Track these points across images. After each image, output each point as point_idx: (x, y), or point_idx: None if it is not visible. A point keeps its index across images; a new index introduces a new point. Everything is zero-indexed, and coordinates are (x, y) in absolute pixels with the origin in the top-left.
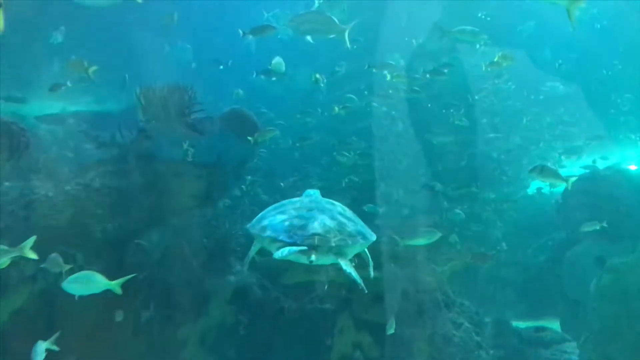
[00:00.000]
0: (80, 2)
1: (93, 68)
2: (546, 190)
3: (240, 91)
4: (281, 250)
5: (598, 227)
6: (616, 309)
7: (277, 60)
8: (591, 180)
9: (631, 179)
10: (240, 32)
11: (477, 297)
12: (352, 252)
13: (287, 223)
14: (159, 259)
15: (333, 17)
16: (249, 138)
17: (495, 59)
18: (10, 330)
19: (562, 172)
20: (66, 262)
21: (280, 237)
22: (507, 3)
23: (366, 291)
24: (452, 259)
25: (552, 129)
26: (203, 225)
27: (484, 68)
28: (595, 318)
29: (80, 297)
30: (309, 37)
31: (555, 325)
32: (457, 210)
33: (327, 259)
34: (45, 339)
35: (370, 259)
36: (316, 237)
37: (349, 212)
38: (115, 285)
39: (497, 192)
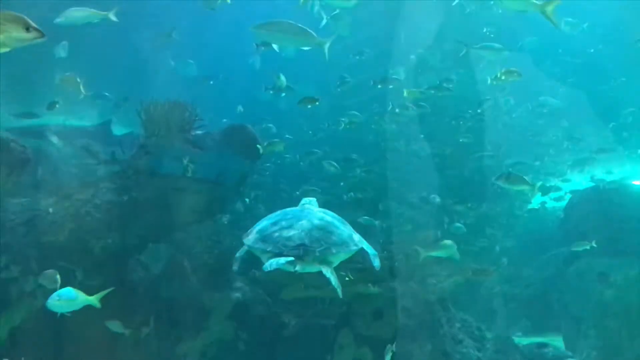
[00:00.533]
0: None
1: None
2: (550, 205)
3: (241, 108)
4: (269, 262)
5: (589, 247)
6: (618, 325)
7: (280, 78)
8: (593, 196)
9: (634, 194)
10: (255, 45)
11: (481, 313)
12: (336, 260)
13: (276, 234)
14: (159, 274)
15: (308, 30)
16: (258, 146)
17: (499, 75)
18: (10, 347)
19: (568, 186)
20: (66, 278)
21: (269, 249)
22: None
23: (340, 296)
24: (453, 275)
25: (557, 142)
26: (204, 241)
27: (489, 82)
28: (597, 334)
29: (69, 313)
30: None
31: (557, 341)
32: (458, 224)
33: (312, 268)
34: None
35: (332, 277)
36: (302, 247)
37: (338, 221)
38: (94, 300)
39: (501, 206)
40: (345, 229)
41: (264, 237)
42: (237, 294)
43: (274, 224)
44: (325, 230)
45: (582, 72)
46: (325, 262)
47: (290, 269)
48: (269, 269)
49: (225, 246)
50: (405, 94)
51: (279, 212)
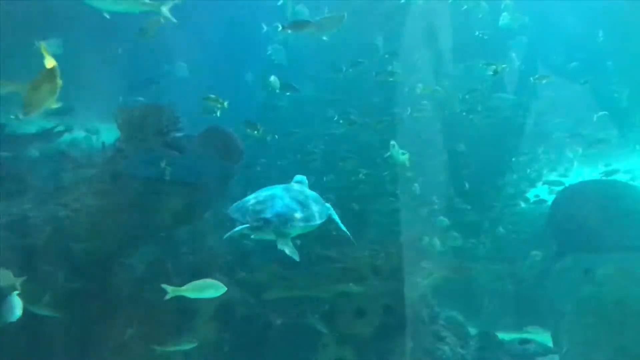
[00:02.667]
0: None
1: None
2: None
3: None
4: (230, 232)
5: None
6: (596, 321)
7: (273, 79)
8: (579, 192)
9: (620, 190)
10: (279, 26)
11: (470, 310)
12: (294, 232)
13: (250, 208)
14: (142, 276)
15: None
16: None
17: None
18: None
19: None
20: (47, 281)
21: (240, 219)
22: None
23: (298, 260)
24: (435, 272)
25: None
26: (188, 243)
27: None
28: (576, 330)
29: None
30: None
31: (542, 337)
32: (441, 217)
33: (269, 236)
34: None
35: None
36: (262, 220)
37: (311, 200)
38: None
39: (498, 202)
40: (315, 207)
41: (240, 209)
42: (221, 296)
43: (255, 198)
44: (290, 207)
45: (586, 67)
46: (281, 234)
47: (251, 235)
48: (227, 235)
49: (209, 247)
50: (419, 90)
51: (267, 188)
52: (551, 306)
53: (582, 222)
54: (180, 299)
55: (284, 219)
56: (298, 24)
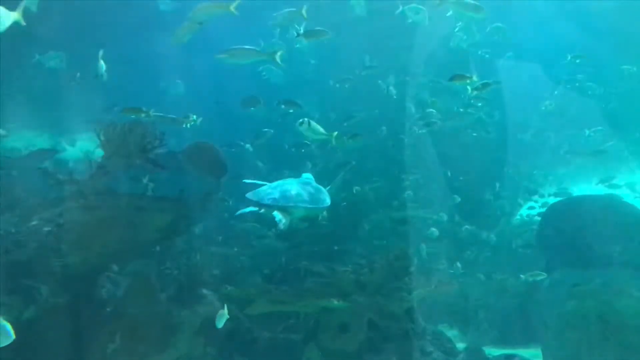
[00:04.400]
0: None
1: None
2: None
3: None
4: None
5: None
6: (579, 336)
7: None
8: (568, 207)
9: (609, 204)
10: (295, 33)
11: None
12: (297, 213)
13: (263, 193)
14: (126, 291)
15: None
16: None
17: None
18: None
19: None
20: (31, 296)
21: (254, 199)
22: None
23: (284, 228)
24: (419, 287)
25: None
26: (173, 257)
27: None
28: (560, 345)
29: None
30: None
31: (528, 353)
32: (433, 229)
33: (276, 215)
34: None
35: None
36: (271, 199)
37: (314, 189)
38: None
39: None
40: (317, 195)
41: (256, 193)
42: (206, 309)
43: (271, 186)
44: (296, 193)
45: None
46: (285, 211)
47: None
48: (239, 213)
49: (195, 262)
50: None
51: (284, 180)
52: (540, 321)
53: (571, 237)
54: (164, 313)
55: (289, 199)
56: (313, 32)
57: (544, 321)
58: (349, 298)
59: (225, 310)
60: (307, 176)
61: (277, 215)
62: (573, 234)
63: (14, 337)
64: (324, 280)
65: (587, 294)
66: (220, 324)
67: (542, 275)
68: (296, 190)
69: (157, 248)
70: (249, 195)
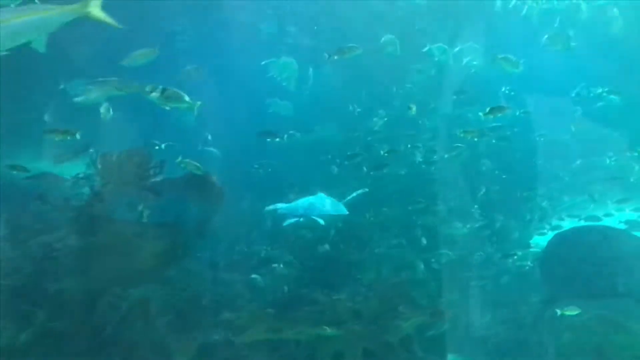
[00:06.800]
0: None
1: None
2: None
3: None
4: (287, 221)
5: None
6: None
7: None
8: (571, 237)
9: (612, 235)
10: (326, 55)
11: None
12: (320, 219)
13: (292, 204)
14: (123, 317)
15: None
16: None
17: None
18: None
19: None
20: (27, 320)
21: (282, 211)
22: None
23: (323, 223)
24: (414, 317)
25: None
26: (171, 284)
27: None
28: None
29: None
30: None
31: None
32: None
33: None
34: None
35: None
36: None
37: (328, 201)
38: None
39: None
40: (331, 207)
41: (286, 207)
42: (203, 336)
43: (295, 203)
44: (315, 205)
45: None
46: (309, 217)
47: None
48: (286, 224)
49: (193, 289)
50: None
51: (306, 197)
52: (540, 352)
53: (573, 267)
54: (160, 340)
55: (311, 208)
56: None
57: (544, 352)
58: (343, 326)
59: None
60: (321, 195)
61: (318, 219)
62: (575, 264)
63: None
64: (320, 307)
65: (584, 326)
66: None
67: (577, 311)
68: (321, 202)
69: (155, 274)
70: (280, 209)
